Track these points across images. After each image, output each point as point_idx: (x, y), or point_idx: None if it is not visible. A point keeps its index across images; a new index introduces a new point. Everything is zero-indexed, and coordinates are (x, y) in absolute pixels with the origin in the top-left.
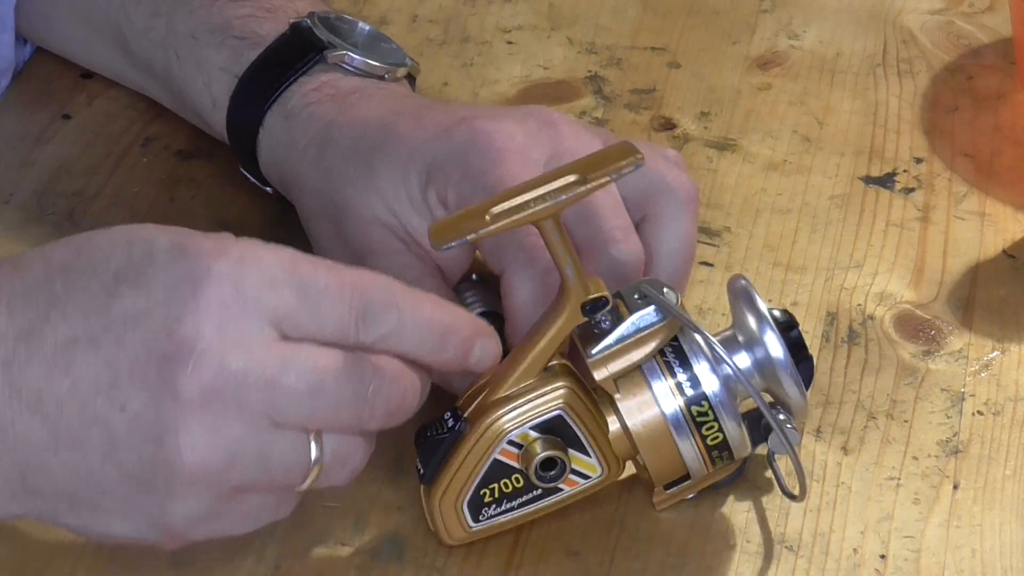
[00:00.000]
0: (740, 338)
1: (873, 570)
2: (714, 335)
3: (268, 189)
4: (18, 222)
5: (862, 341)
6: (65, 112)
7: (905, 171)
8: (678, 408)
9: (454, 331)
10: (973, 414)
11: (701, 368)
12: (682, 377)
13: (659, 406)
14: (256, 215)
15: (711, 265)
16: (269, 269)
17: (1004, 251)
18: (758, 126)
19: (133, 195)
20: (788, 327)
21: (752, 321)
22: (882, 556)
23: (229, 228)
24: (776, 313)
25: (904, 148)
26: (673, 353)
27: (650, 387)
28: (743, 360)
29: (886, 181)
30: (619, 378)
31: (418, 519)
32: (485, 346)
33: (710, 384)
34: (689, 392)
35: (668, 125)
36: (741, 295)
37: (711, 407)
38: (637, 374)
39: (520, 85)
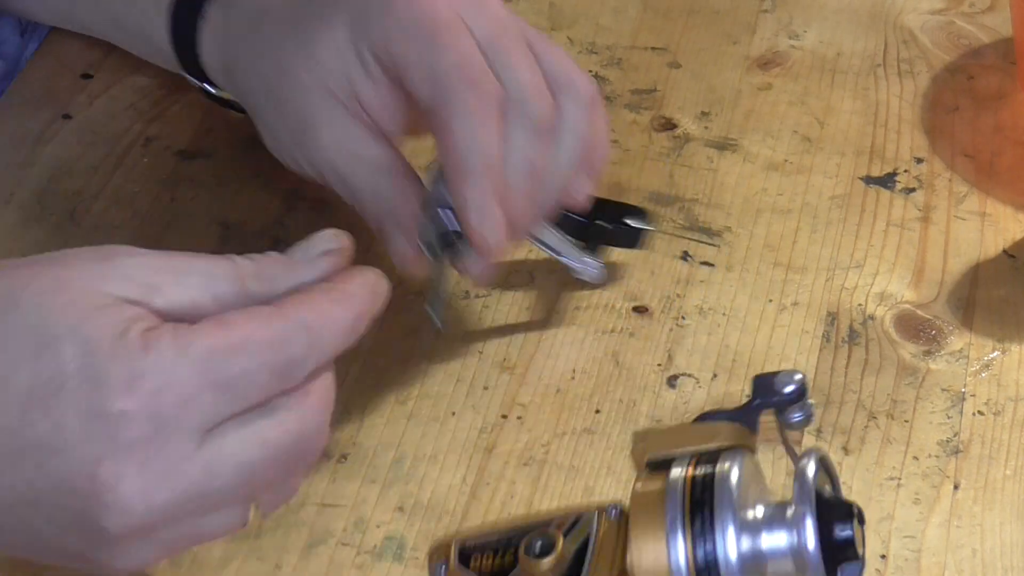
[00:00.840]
0: (787, 514)
1: (874, 570)
2: (769, 504)
3: (215, 92)
4: (19, 222)
5: (863, 341)
6: (66, 112)
7: (906, 171)
8: (686, 569)
9: (362, 315)
10: (974, 414)
11: (723, 537)
12: (700, 539)
13: (669, 560)
14: (256, 215)
15: (711, 265)
16: (182, 388)
17: (1005, 251)
18: (759, 126)
19: (134, 195)
20: (839, 518)
21: (798, 503)
22: (883, 556)
23: (229, 228)
24: (835, 499)
25: (904, 148)
26: (703, 511)
27: (666, 538)
28: (780, 540)
29: (887, 181)
30: (642, 516)
31: (418, 519)
32: (380, 292)
33: (727, 556)
34: (700, 549)
35: (669, 125)
36: (799, 471)
37: None
38: (660, 519)
39: None
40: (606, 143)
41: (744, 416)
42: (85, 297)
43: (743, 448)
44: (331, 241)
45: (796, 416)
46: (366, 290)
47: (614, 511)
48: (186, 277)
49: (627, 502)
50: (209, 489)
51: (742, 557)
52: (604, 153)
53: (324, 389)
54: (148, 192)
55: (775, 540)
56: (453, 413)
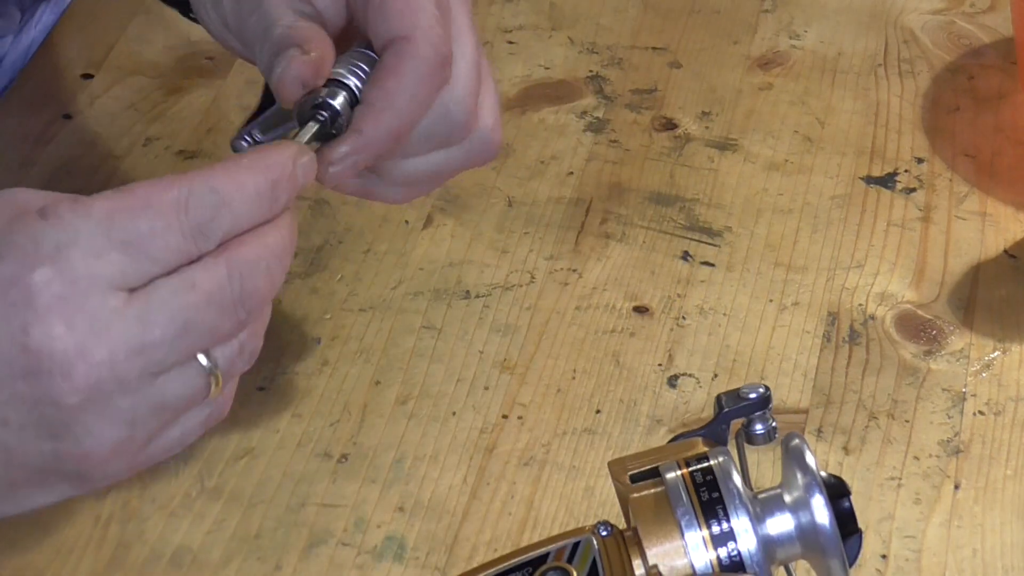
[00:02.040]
0: (786, 499)
1: (874, 570)
2: (761, 492)
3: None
4: None
5: (863, 341)
6: (66, 112)
7: (906, 171)
8: (709, 563)
9: (279, 181)
10: (974, 414)
11: (739, 523)
12: (717, 530)
13: (689, 557)
14: None
15: (712, 265)
16: (88, 241)
17: (1005, 251)
18: (759, 126)
19: None
20: (839, 494)
21: (801, 483)
22: (883, 556)
23: None
24: (828, 477)
25: (905, 148)
26: (711, 503)
27: (682, 535)
28: (786, 523)
29: (887, 181)
30: (651, 522)
31: (418, 519)
32: (306, 167)
33: (747, 542)
34: (722, 547)
35: (669, 125)
36: (794, 454)
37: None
38: (670, 520)
39: (521, 85)
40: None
41: (713, 431)
42: None
43: (722, 447)
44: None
45: (758, 429)
46: (283, 157)
47: (605, 529)
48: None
49: (613, 519)
50: (148, 341)
51: (760, 541)
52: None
53: (260, 249)
54: None
55: (781, 524)
56: (454, 413)
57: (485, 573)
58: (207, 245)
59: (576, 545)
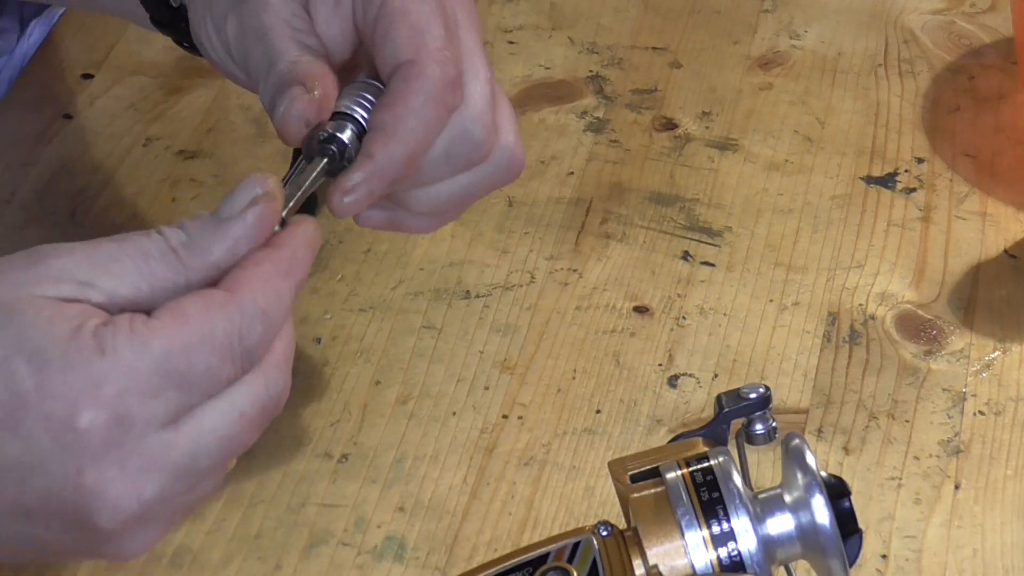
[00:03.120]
0: (787, 499)
1: (874, 570)
2: (761, 492)
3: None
4: (20, 222)
5: (863, 341)
6: (66, 112)
7: (906, 171)
8: (709, 563)
9: (305, 276)
10: (974, 414)
11: (740, 523)
12: (717, 530)
13: (689, 557)
14: None
15: (712, 265)
16: (146, 384)
17: (1005, 251)
18: (759, 126)
19: (134, 195)
20: (839, 494)
21: (801, 483)
22: (883, 556)
23: None
24: (828, 477)
25: (905, 148)
26: (712, 503)
27: (683, 535)
28: (786, 523)
29: (887, 181)
30: (651, 522)
31: (418, 519)
32: (317, 243)
33: (747, 542)
34: (722, 547)
35: (669, 125)
36: (794, 454)
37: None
38: (670, 520)
39: (521, 85)
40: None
41: (713, 431)
42: (21, 307)
43: (722, 447)
44: (256, 187)
45: (759, 429)
46: (308, 250)
47: (605, 529)
48: (117, 265)
49: (613, 519)
50: (196, 468)
51: (760, 541)
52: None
53: (283, 347)
54: (148, 192)
55: (782, 524)
56: (454, 413)
57: (485, 573)
58: (251, 365)
59: (576, 545)
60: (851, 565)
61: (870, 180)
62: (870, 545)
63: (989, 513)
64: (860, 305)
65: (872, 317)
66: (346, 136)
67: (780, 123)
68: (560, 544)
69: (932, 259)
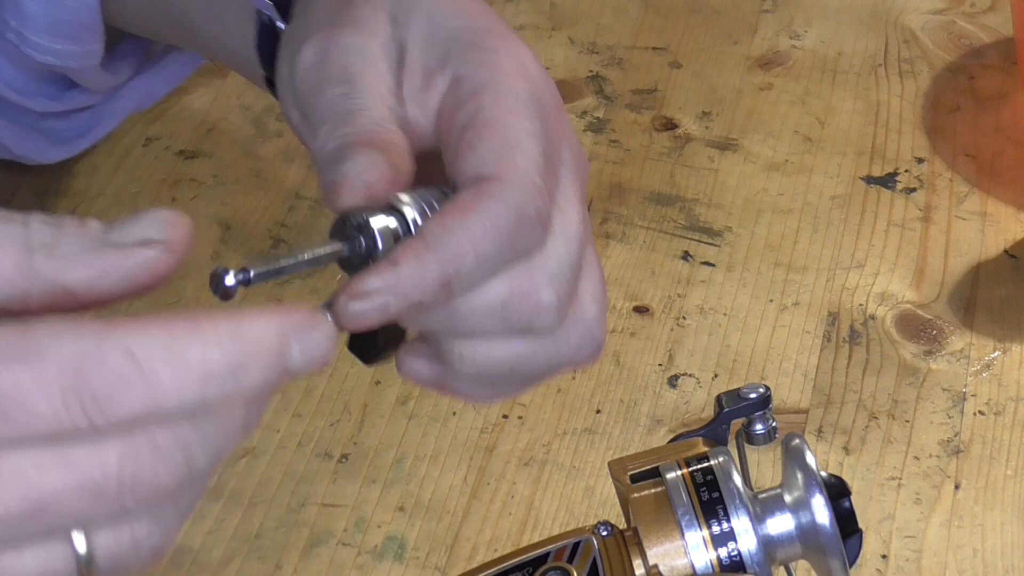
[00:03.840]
0: (787, 499)
1: (875, 570)
2: (761, 492)
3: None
4: None
5: (863, 341)
6: None
7: (906, 171)
8: (709, 562)
9: (246, 361)
10: (974, 414)
11: (740, 523)
12: (717, 530)
13: (689, 557)
14: (256, 215)
15: (712, 265)
16: None
17: (1005, 251)
18: (759, 126)
19: (134, 195)
20: (839, 494)
21: (801, 483)
22: (883, 556)
23: (229, 228)
24: (828, 477)
25: (905, 148)
26: (712, 503)
27: (683, 535)
28: (786, 523)
29: (887, 181)
30: (651, 522)
31: (419, 519)
32: (308, 341)
33: (747, 542)
34: (722, 547)
35: (669, 125)
36: (794, 454)
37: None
38: (670, 520)
39: None
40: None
41: (713, 431)
42: None
43: (722, 447)
44: (157, 227)
45: (759, 429)
46: (263, 326)
47: (605, 529)
48: None
49: (613, 519)
50: None
51: (760, 541)
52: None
53: (187, 429)
54: (148, 192)
55: (782, 524)
56: (454, 413)
57: (485, 573)
58: (101, 420)
59: (576, 545)
60: (851, 565)
61: (870, 180)
62: (870, 545)
63: (989, 513)
64: (860, 305)
65: (872, 317)
66: (380, 226)
67: (780, 123)
68: (560, 544)
69: (932, 259)
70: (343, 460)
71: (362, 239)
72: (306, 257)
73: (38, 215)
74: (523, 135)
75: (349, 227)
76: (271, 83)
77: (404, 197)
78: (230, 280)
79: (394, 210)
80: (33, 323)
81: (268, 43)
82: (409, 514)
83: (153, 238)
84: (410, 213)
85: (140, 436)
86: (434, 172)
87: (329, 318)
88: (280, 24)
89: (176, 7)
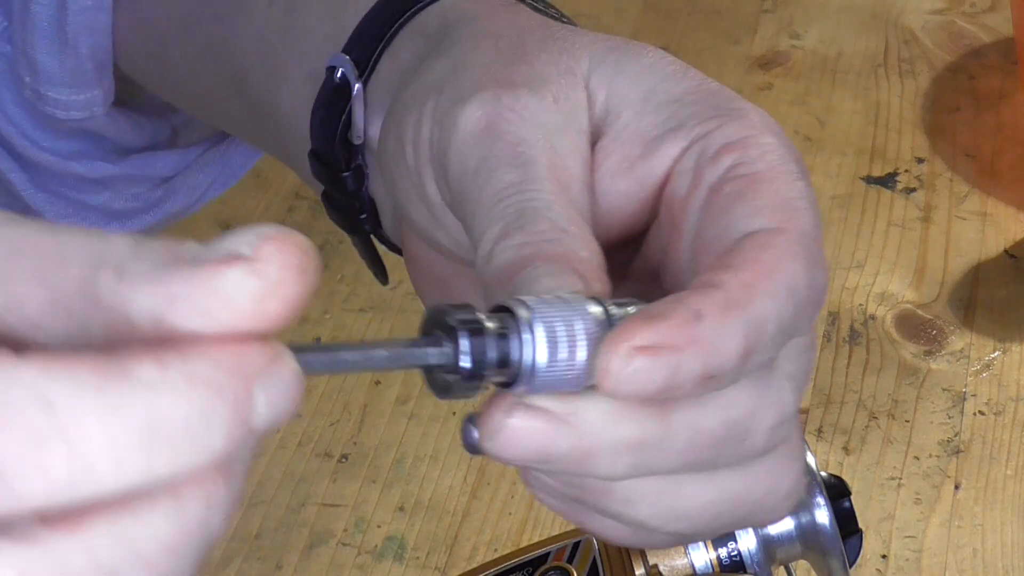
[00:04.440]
0: None
1: (875, 570)
2: None
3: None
4: None
5: (863, 341)
6: None
7: (906, 171)
8: (709, 562)
9: (208, 411)
10: (974, 414)
11: None
12: None
13: (689, 557)
14: (258, 215)
15: None
16: None
17: (1006, 251)
18: None
19: None
20: (839, 494)
21: None
22: (884, 556)
23: (230, 228)
24: (828, 477)
25: (905, 148)
26: None
27: None
28: (786, 523)
29: (887, 181)
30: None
31: (419, 519)
32: (274, 388)
33: (747, 542)
34: (722, 547)
35: None
36: None
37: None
38: None
39: None
40: None
41: None
42: None
43: None
44: (250, 241)
45: None
46: (224, 364)
47: None
48: (18, 260)
49: None
50: None
51: (760, 541)
52: None
53: (130, 529)
54: None
55: (782, 524)
56: (454, 413)
57: (485, 573)
58: (14, 507)
59: (576, 545)
60: (851, 565)
61: (870, 180)
62: (870, 545)
63: (989, 513)
64: (860, 305)
65: (872, 317)
66: (494, 327)
67: (780, 123)
68: (560, 544)
69: (932, 259)
70: (343, 460)
71: (467, 342)
72: (379, 360)
73: (128, 234)
74: (796, 191)
75: (440, 326)
76: (318, 158)
77: (535, 301)
78: None
79: (512, 314)
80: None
81: (326, 108)
82: (409, 514)
83: (240, 252)
84: (530, 324)
85: (64, 541)
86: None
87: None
88: (356, 85)
89: (232, 58)
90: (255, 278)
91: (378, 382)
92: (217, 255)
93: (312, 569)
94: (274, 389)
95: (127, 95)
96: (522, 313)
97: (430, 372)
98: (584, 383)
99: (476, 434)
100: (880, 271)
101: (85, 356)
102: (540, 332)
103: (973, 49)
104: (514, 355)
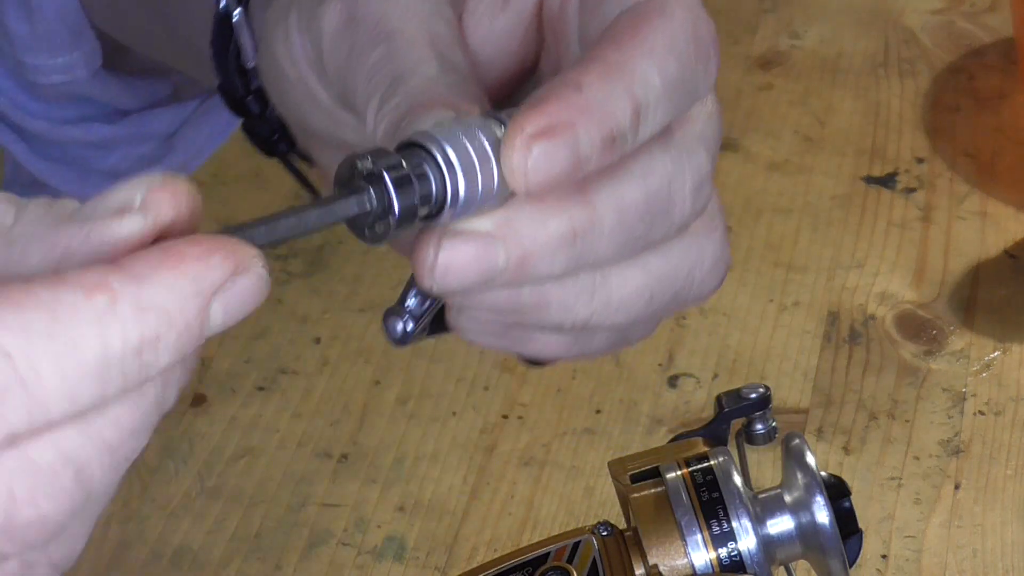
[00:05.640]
0: (787, 499)
1: (875, 570)
2: (761, 492)
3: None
4: None
5: (863, 341)
6: None
7: (906, 171)
8: (709, 562)
9: (159, 335)
10: (974, 414)
11: (740, 523)
12: (717, 530)
13: (689, 557)
14: (258, 215)
15: None
16: None
17: (1005, 251)
18: (759, 126)
19: None
20: (839, 494)
21: (801, 483)
22: (883, 556)
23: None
24: (828, 477)
25: (905, 148)
26: (711, 503)
27: (682, 535)
28: (786, 523)
29: (887, 181)
30: (651, 522)
31: (418, 519)
32: (233, 296)
33: (747, 542)
34: (722, 548)
35: None
36: (794, 454)
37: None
38: (670, 520)
39: None
40: None
41: (713, 431)
42: None
43: (722, 447)
44: (139, 192)
45: (759, 429)
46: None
47: (605, 529)
48: None
49: (613, 519)
50: None
51: (760, 541)
52: None
53: (72, 433)
54: None
55: (782, 524)
56: (454, 413)
57: (485, 573)
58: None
59: (576, 545)
60: (851, 565)
61: (870, 180)
62: (870, 545)
63: (989, 513)
64: (860, 305)
65: (872, 317)
66: (396, 179)
67: (780, 123)
68: (560, 544)
69: (932, 259)
70: (343, 460)
71: (373, 194)
72: (311, 220)
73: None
74: None
75: (357, 176)
76: (221, 88)
77: (440, 134)
78: None
79: (421, 151)
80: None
81: (219, 38)
82: (409, 514)
83: (131, 204)
84: (444, 154)
85: (11, 461)
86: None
87: (261, 263)
88: (236, 11)
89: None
90: (152, 224)
91: (378, 382)
92: (110, 209)
93: (312, 569)
94: (234, 298)
95: (118, 58)
96: (430, 144)
97: (358, 223)
98: (504, 193)
99: (399, 326)
100: (880, 271)
101: (40, 293)
102: (451, 155)
103: (973, 49)
104: (435, 183)
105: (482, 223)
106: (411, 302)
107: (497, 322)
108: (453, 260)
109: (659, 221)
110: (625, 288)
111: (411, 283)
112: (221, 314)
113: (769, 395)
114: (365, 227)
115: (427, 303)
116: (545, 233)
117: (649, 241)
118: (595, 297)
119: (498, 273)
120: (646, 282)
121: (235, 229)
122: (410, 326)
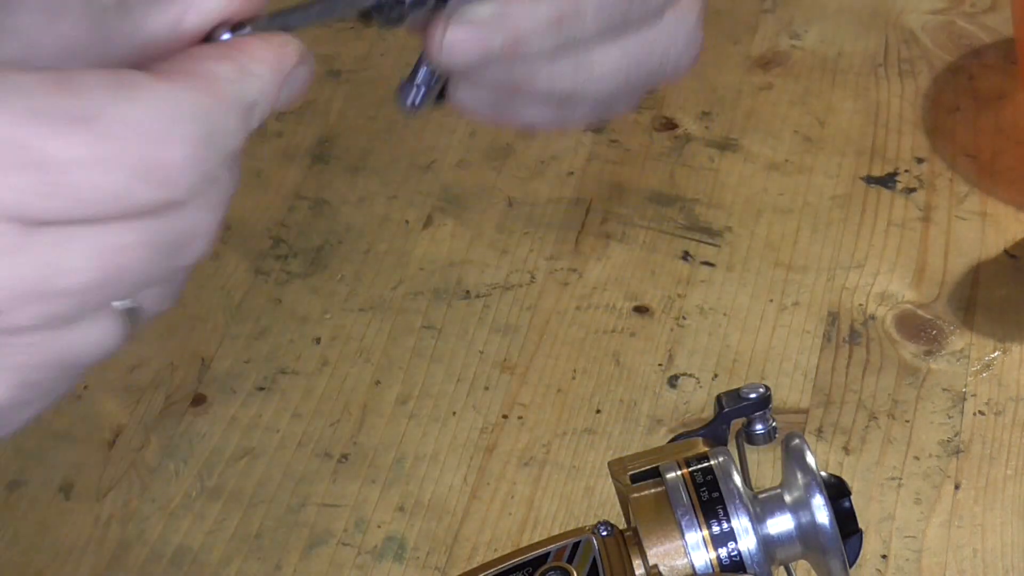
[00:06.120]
0: (787, 499)
1: (875, 570)
2: (761, 492)
3: None
4: None
5: (863, 341)
6: None
7: (906, 171)
8: (709, 562)
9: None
10: (974, 414)
11: (740, 523)
12: (717, 530)
13: (689, 557)
14: (258, 215)
15: (712, 265)
16: None
17: (1006, 251)
18: (759, 126)
19: None
20: (839, 494)
21: (801, 483)
22: (883, 556)
23: (229, 228)
24: (828, 477)
25: (905, 148)
26: (712, 503)
27: (683, 535)
28: (786, 523)
29: (887, 181)
30: (651, 522)
31: (419, 519)
32: (295, 82)
33: (747, 542)
34: (722, 548)
35: (669, 125)
36: (794, 454)
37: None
38: (670, 520)
39: None
40: None
41: (713, 431)
42: None
43: (722, 447)
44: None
45: (759, 429)
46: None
47: (605, 529)
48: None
49: (613, 519)
50: (50, 291)
51: (760, 541)
52: None
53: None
54: None
55: (782, 524)
56: (454, 413)
57: (485, 573)
58: (160, 196)
59: (576, 545)
60: (851, 565)
61: (870, 180)
62: (870, 545)
63: (989, 513)
64: (860, 305)
65: (872, 317)
66: None
67: (780, 123)
68: (560, 544)
69: (932, 259)
70: (343, 460)
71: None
72: (339, 6)
73: None
74: None
75: None
76: None
77: None
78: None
79: None
80: (75, 75)
81: None
82: (409, 514)
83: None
84: None
85: (77, 234)
86: None
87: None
88: None
89: None
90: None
91: (378, 382)
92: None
93: (312, 569)
94: (296, 81)
95: None
96: None
97: (373, 10)
98: None
99: (411, 96)
100: (880, 271)
101: (197, 63)
102: None
103: (973, 49)
104: None
105: (483, 9)
106: (420, 76)
107: (492, 94)
108: (457, 40)
109: (636, 4)
110: (605, 64)
111: (421, 60)
112: (285, 95)
113: (769, 395)
114: (383, 12)
115: (434, 77)
116: (535, 18)
117: (627, 22)
118: (578, 71)
119: (494, 52)
120: (624, 59)
121: (276, 16)
122: (420, 95)
